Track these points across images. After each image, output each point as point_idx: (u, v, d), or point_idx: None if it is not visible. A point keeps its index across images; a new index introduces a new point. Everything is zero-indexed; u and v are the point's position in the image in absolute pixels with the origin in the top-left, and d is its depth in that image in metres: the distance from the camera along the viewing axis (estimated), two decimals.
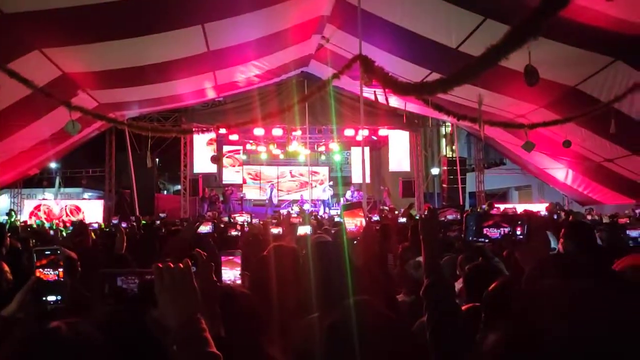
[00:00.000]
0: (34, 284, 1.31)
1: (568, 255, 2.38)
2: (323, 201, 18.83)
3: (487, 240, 2.15)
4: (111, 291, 1.12)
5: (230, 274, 1.85)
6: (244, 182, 19.80)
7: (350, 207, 2.99)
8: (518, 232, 2.12)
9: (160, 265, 1.07)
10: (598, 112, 8.18)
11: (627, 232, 3.09)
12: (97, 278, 1.18)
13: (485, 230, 2.13)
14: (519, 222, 2.13)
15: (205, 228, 5.66)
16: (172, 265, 1.07)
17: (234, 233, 6.27)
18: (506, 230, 2.12)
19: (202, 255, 1.29)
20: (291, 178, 20.54)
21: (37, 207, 15.79)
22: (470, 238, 2.16)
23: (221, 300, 1.33)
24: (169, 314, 1.03)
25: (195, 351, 0.99)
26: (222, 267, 1.85)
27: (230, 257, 1.88)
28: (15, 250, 3.91)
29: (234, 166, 19.22)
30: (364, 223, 3.09)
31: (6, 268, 2.18)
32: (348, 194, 18.32)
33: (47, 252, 1.39)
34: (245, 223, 8.59)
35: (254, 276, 1.84)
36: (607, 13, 6.29)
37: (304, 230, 5.87)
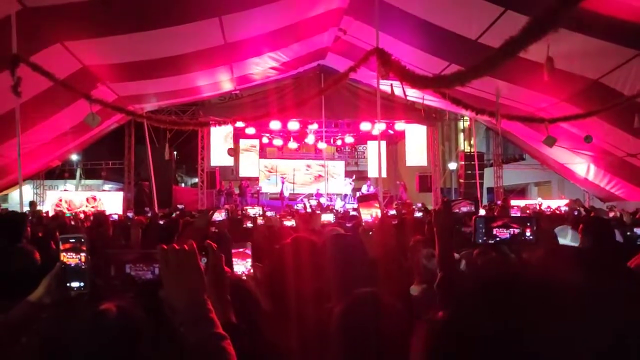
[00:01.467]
0: (59, 270, 1.34)
1: (582, 248, 2.35)
2: (344, 195, 18.85)
3: (497, 240, 2.17)
4: (118, 274, 1.13)
5: (242, 267, 1.85)
6: (264, 179, 19.84)
7: (366, 199, 2.97)
8: (527, 233, 2.15)
9: (165, 247, 1.08)
10: (621, 106, 7.99)
11: (635, 230, 3.02)
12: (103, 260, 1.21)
13: (495, 231, 2.18)
14: (529, 223, 2.17)
15: (219, 216, 5.92)
16: (177, 247, 1.08)
17: (249, 225, 6.30)
18: (516, 231, 2.16)
19: (213, 246, 1.33)
20: (306, 171, 20.65)
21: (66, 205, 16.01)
22: (480, 240, 2.19)
23: (231, 289, 1.36)
24: (175, 296, 1.04)
25: (202, 332, 1.00)
26: (233, 259, 1.85)
27: (241, 250, 1.88)
28: (39, 239, 4.00)
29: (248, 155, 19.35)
30: (379, 214, 3.03)
31: (37, 255, 2.24)
32: (364, 188, 18.30)
33: (72, 240, 1.43)
34: (258, 215, 8.70)
35: (272, 266, 1.86)
36: (631, 4, 6.12)
37: (327, 218, 6.14)
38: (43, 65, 7.06)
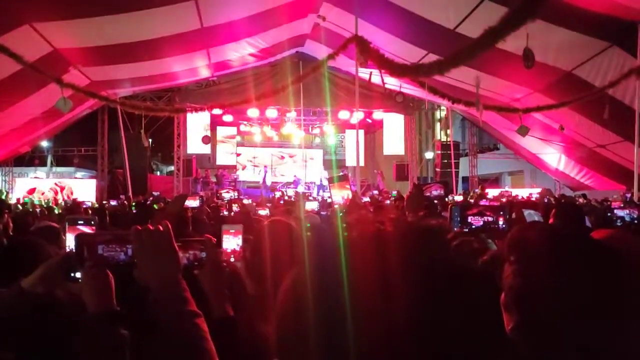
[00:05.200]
0: (65, 257, 1.23)
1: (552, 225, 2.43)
2: (318, 185, 18.72)
3: (472, 228, 2.25)
4: (91, 256, 1.11)
5: (233, 243, 1.90)
6: (243, 168, 19.80)
7: (339, 179, 2.99)
8: (500, 222, 2.24)
9: (140, 228, 1.08)
10: (592, 97, 8.21)
11: (615, 211, 3.19)
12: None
13: (470, 219, 2.27)
14: (502, 212, 2.26)
15: (193, 202, 5.84)
16: (151, 228, 1.08)
17: (224, 213, 6.27)
18: (489, 219, 2.25)
19: (212, 240, 1.31)
20: (284, 160, 20.68)
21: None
22: (455, 227, 2.28)
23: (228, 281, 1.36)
24: (149, 275, 1.05)
25: (175, 309, 1.01)
26: (224, 235, 1.90)
27: (233, 230, 1.94)
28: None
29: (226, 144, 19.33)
30: (350, 196, 3.00)
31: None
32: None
33: (80, 222, 1.39)
34: (232, 198, 8.79)
35: (250, 248, 1.86)
36: None
37: (311, 206, 6.16)
38: (11, 48, 6.78)
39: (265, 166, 19.19)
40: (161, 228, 1.08)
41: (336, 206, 5.60)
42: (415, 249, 0.53)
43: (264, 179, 18.27)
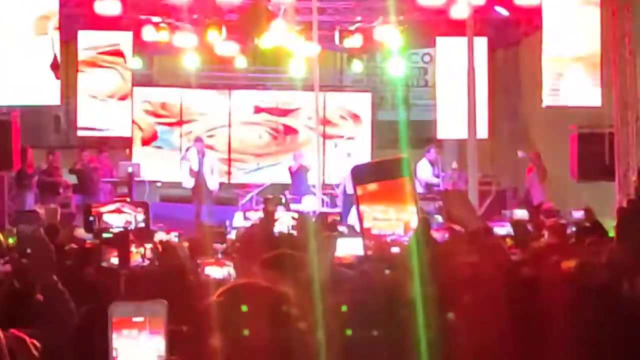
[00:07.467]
0: None
1: None
2: (343, 192, 18.52)
3: None
4: None
5: (141, 351, 1.90)
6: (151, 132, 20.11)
7: (378, 174, 3.69)
8: None
9: None
10: None
11: None
12: None
13: None
14: None
15: None
16: None
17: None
18: None
19: (28, 342, 1.69)
20: (257, 120, 20.26)
21: None
22: None
23: None
24: None
25: None
26: (116, 336, 1.89)
27: (140, 319, 1.90)
28: None
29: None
30: (414, 222, 3.70)
31: None
32: (423, 168, 17.68)
33: None
34: (129, 228, 9.14)
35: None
36: None
37: (348, 249, 6.79)
38: None
39: (197, 139, 18.39)
40: None
41: (395, 249, 5.23)
42: None
43: (199, 171, 17.58)
